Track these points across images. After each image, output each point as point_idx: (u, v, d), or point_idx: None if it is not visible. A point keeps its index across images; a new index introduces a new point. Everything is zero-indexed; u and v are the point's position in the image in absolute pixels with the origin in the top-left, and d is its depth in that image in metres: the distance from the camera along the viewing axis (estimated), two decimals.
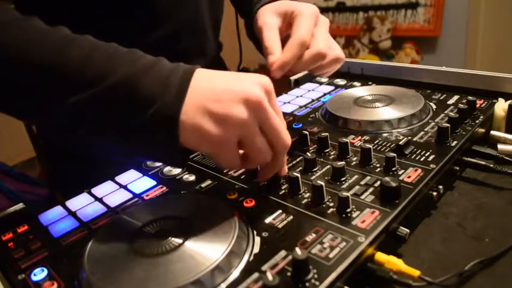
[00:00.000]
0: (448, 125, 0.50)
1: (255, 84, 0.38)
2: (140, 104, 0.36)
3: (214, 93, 0.37)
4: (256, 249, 0.36)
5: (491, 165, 0.49)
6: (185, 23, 0.66)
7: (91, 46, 0.38)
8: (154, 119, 0.35)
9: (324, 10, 3.25)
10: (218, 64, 0.83)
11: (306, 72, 0.84)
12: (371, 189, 0.43)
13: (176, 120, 0.36)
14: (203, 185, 0.48)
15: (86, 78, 0.36)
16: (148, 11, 0.61)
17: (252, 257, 0.35)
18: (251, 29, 0.66)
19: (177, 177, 0.51)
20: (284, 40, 0.55)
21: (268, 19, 0.58)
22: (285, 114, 0.67)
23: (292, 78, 0.82)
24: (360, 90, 0.67)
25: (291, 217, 0.40)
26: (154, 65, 0.37)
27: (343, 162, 0.45)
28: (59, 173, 0.76)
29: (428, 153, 0.48)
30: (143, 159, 0.52)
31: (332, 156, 0.51)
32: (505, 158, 0.50)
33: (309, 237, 0.37)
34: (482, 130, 0.55)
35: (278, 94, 0.75)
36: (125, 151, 0.40)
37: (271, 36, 0.56)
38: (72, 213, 0.46)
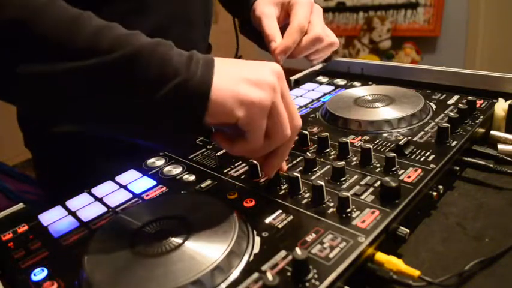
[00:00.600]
0: (448, 125, 0.50)
1: (270, 64, 0.40)
2: (164, 75, 0.34)
3: (242, 66, 0.39)
4: (256, 249, 0.36)
5: (491, 165, 0.49)
6: (174, 15, 0.65)
7: (100, 23, 0.36)
8: (177, 94, 0.34)
9: (324, 10, 3.24)
10: None
11: (305, 72, 0.84)
12: (371, 189, 0.43)
13: (207, 95, 0.35)
14: (203, 185, 0.48)
15: (104, 46, 0.34)
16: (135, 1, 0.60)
17: (252, 257, 0.35)
18: (246, 23, 0.67)
19: (177, 177, 0.51)
20: (282, 29, 0.59)
21: (266, 9, 0.61)
22: None
23: (292, 78, 0.82)
24: (360, 90, 0.67)
25: (291, 217, 0.40)
26: (172, 44, 0.37)
27: (343, 162, 0.45)
28: (52, 180, 0.73)
29: (428, 153, 0.48)
30: (155, 144, 0.51)
31: (332, 156, 0.51)
32: (505, 158, 0.50)
33: (309, 237, 0.37)
34: (482, 130, 0.55)
35: None
36: (139, 132, 0.39)
37: (271, 25, 0.60)
38: (72, 213, 0.46)
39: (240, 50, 0.79)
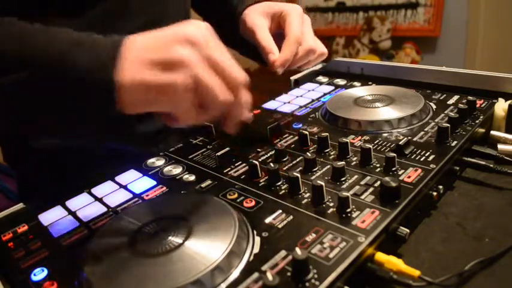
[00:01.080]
0: (448, 125, 0.50)
1: (191, 25, 0.37)
2: (73, 79, 0.35)
3: (151, 43, 0.36)
4: (256, 249, 0.36)
5: (491, 165, 0.49)
6: (153, 19, 0.62)
7: (24, 28, 0.37)
8: (90, 89, 0.35)
9: (324, 10, 3.25)
10: None
11: (305, 72, 0.84)
12: (371, 189, 0.43)
13: (111, 84, 0.34)
14: (203, 185, 0.48)
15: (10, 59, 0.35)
16: (116, 3, 0.59)
17: (252, 257, 0.35)
18: (231, 33, 0.67)
19: (177, 177, 0.51)
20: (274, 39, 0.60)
21: (257, 20, 0.62)
22: (285, 114, 0.67)
23: (292, 78, 0.82)
24: (360, 90, 0.67)
25: (291, 217, 0.40)
26: (82, 40, 0.36)
27: (343, 162, 0.45)
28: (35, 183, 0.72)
29: (428, 153, 0.48)
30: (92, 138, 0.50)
31: (332, 156, 0.51)
32: (505, 158, 0.50)
33: (309, 237, 0.37)
34: (482, 130, 0.55)
35: (278, 94, 0.75)
36: (68, 129, 0.39)
37: (266, 37, 0.60)
38: (72, 213, 0.46)
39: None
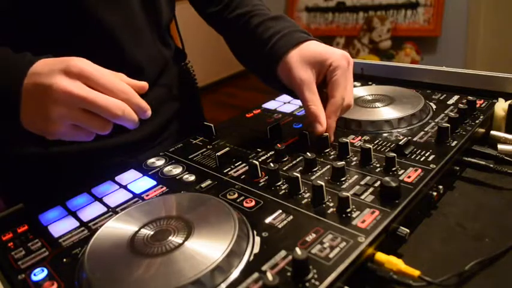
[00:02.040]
0: (448, 125, 0.50)
1: (61, 77, 0.43)
2: None
3: (34, 94, 0.43)
4: (256, 249, 0.36)
5: (491, 165, 0.49)
6: (120, 25, 0.61)
7: None
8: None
9: (324, 10, 3.25)
10: (181, 73, 0.79)
11: None
12: (371, 189, 0.43)
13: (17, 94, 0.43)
14: (203, 185, 0.48)
15: None
16: (77, 11, 0.57)
17: (252, 257, 0.35)
18: (262, 68, 0.61)
19: (177, 177, 0.51)
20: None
21: (304, 74, 0.54)
22: (285, 114, 0.67)
23: None
24: (360, 90, 0.67)
25: (291, 217, 0.40)
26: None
27: (343, 162, 0.45)
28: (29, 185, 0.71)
29: (428, 153, 0.48)
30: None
31: (332, 156, 0.51)
32: (505, 158, 0.50)
33: (309, 237, 0.37)
34: (482, 130, 0.55)
35: (278, 94, 0.75)
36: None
37: (316, 102, 0.54)
38: (72, 213, 0.46)
39: None
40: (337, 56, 0.55)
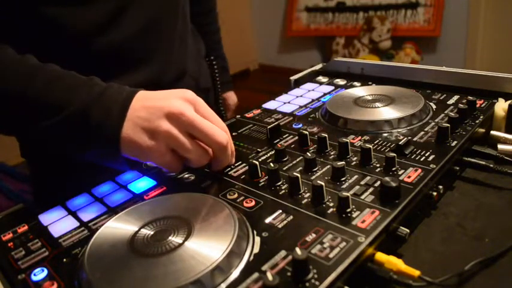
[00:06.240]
0: (448, 125, 0.50)
1: (177, 99, 0.46)
2: (92, 129, 0.45)
3: (145, 112, 0.45)
4: (256, 249, 0.36)
5: (491, 165, 0.49)
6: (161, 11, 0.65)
7: (52, 77, 0.47)
8: (102, 139, 0.46)
9: (324, 10, 3.25)
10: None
11: (305, 72, 0.84)
12: (371, 189, 0.43)
13: (117, 139, 0.45)
14: (203, 185, 0.48)
15: (48, 108, 0.45)
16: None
17: (252, 257, 0.35)
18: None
19: (177, 177, 0.51)
20: None
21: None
22: (285, 114, 0.67)
23: (292, 78, 0.82)
24: (360, 90, 0.67)
25: (291, 217, 0.40)
26: (102, 94, 0.46)
27: (343, 162, 0.45)
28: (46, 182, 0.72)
29: (428, 153, 0.48)
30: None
31: (332, 156, 0.51)
32: (505, 158, 0.50)
33: (309, 237, 0.37)
34: (482, 130, 0.55)
35: (278, 94, 0.75)
36: (88, 160, 0.49)
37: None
38: (72, 213, 0.46)
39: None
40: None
